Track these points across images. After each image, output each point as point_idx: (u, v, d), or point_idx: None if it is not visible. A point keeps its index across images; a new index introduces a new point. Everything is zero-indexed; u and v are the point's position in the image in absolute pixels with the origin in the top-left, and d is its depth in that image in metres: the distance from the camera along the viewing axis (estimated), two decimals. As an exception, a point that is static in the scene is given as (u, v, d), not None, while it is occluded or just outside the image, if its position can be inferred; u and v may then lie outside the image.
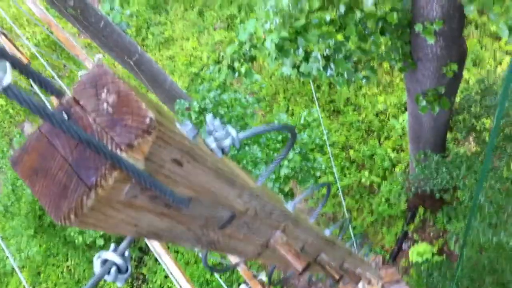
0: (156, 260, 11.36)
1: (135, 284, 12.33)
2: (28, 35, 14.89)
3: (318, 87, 12.44)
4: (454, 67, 6.14)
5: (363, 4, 5.44)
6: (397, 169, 11.02)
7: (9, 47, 6.90)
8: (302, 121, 8.14)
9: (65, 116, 0.89)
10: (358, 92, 12.19)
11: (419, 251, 10.03)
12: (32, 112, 0.75)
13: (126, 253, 1.12)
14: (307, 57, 5.88)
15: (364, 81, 6.33)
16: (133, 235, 1.09)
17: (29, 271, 12.96)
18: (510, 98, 5.66)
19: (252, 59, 6.44)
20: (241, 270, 6.37)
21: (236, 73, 6.58)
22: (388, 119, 11.71)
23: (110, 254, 1.10)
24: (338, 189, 9.96)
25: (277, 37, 5.56)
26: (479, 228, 6.70)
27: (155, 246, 5.67)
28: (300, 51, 5.77)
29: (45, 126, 0.90)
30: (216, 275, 10.22)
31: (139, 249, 12.28)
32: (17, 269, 6.97)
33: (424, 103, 6.46)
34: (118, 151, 0.84)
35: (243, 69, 6.41)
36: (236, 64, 6.44)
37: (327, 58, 5.86)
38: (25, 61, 6.99)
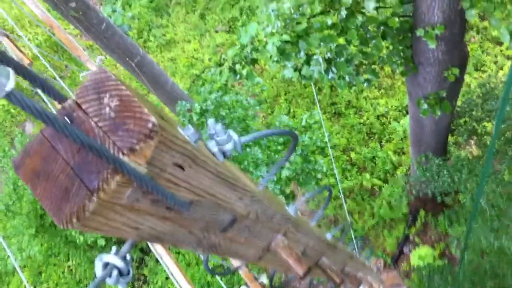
0: (157, 261, 11.35)
1: (136, 285, 12.33)
2: (30, 36, 14.92)
3: (320, 90, 12.45)
4: (456, 71, 6.14)
5: (364, 8, 5.45)
6: (398, 172, 11.01)
7: (11, 48, 6.92)
8: (303, 123, 8.14)
9: (68, 120, 0.89)
10: (360, 95, 12.20)
11: (420, 255, 10.01)
12: (35, 117, 0.75)
13: (128, 256, 1.13)
14: (308, 60, 5.89)
15: (365, 84, 6.34)
16: (134, 238, 1.09)
17: (30, 271, 12.96)
18: (511, 102, 5.67)
19: (254, 61, 6.44)
20: (242, 272, 6.37)
21: (237, 76, 6.58)
22: (390, 122, 11.71)
23: (111, 257, 1.10)
24: (339, 191, 9.96)
25: (279, 41, 5.56)
26: (480, 232, 6.70)
27: (156, 247, 5.68)
28: (302, 54, 5.77)
29: (48, 129, 0.90)
30: (217, 277, 10.23)
31: (140, 250, 12.29)
32: (18, 269, 6.98)
33: (425, 106, 6.46)
34: (120, 155, 0.85)
35: (244, 72, 6.41)
36: (238, 67, 6.44)
37: (328, 61, 5.87)
38: (27, 62, 7.00)
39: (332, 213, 11.20)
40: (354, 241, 7.09)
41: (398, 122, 11.49)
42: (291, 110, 12.49)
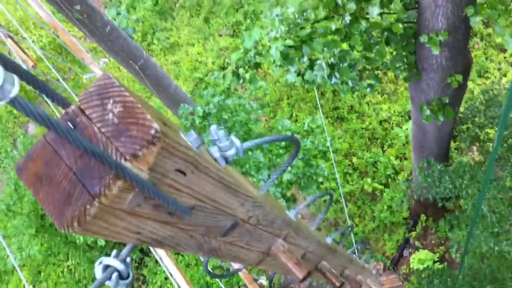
0: (156, 261, 11.36)
1: (135, 285, 12.33)
2: (34, 38, 14.96)
3: (322, 94, 12.45)
4: (459, 77, 6.14)
5: (369, 14, 5.45)
6: (400, 177, 11.00)
7: (15, 50, 6.94)
8: (305, 128, 8.14)
9: (71, 125, 0.90)
10: (362, 100, 12.20)
11: (420, 258, 10.00)
12: (38, 122, 0.76)
13: (128, 259, 1.13)
14: (311, 65, 5.89)
15: (368, 89, 6.34)
16: (135, 242, 1.10)
17: (29, 270, 12.97)
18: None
19: (257, 66, 6.45)
20: (242, 273, 6.38)
21: (240, 79, 6.59)
22: (392, 128, 11.71)
23: (111, 260, 1.11)
24: (340, 195, 9.95)
25: (282, 45, 5.57)
26: (481, 236, 6.69)
27: (156, 249, 5.69)
28: (305, 59, 5.77)
29: (51, 134, 0.91)
30: (217, 280, 10.22)
31: (140, 250, 12.29)
32: (17, 268, 6.98)
33: (428, 112, 6.45)
34: (123, 161, 0.85)
35: (247, 76, 6.42)
36: (241, 71, 6.45)
37: (331, 67, 5.87)
38: (31, 63, 7.03)
39: (333, 217, 11.19)
40: (354, 245, 7.09)
41: (401, 128, 11.48)
42: (294, 114, 12.49)
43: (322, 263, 2.47)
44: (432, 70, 6.16)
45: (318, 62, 5.83)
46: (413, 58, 6.24)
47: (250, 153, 6.99)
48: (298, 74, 6.03)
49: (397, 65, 6.20)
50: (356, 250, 5.37)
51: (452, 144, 8.99)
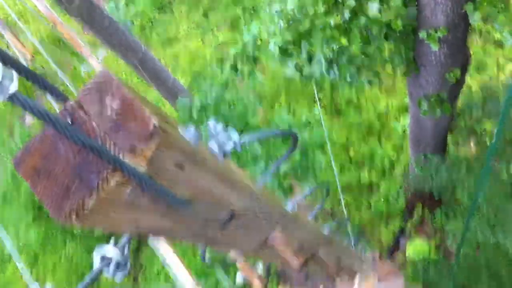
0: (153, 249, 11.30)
1: (131, 272, 12.30)
2: (32, 30, 14.89)
3: (321, 87, 12.44)
4: (457, 73, 6.14)
5: (368, 10, 5.44)
6: (396, 169, 11.04)
7: (13, 42, 6.93)
8: (303, 120, 8.13)
9: (69, 120, 0.91)
10: (360, 94, 12.20)
11: (415, 247, 10.04)
12: (37, 118, 0.77)
13: (126, 249, 1.14)
14: (310, 60, 5.88)
15: (367, 84, 6.34)
16: (133, 234, 1.11)
17: (26, 258, 12.93)
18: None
19: (256, 60, 6.43)
20: (238, 263, 6.37)
21: (238, 73, 6.58)
22: (389, 121, 11.72)
23: (109, 249, 1.11)
24: (337, 186, 9.98)
25: (281, 41, 5.55)
26: (477, 227, 6.72)
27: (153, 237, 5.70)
28: (304, 55, 5.76)
29: (49, 128, 0.91)
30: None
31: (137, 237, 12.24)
32: (14, 256, 6.93)
33: (426, 107, 6.46)
34: (121, 156, 0.86)
35: (246, 70, 6.41)
36: (239, 65, 6.43)
37: (330, 62, 5.86)
38: (29, 56, 7.01)
39: (330, 207, 11.21)
40: (351, 234, 7.11)
41: (398, 121, 11.50)
42: (292, 107, 12.49)
43: (319, 253, 2.48)
44: (431, 66, 6.16)
45: (317, 57, 5.83)
46: (411, 54, 6.23)
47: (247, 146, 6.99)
48: (297, 69, 6.03)
49: (396, 61, 6.20)
50: (352, 240, 5.39)
51: (449, 138, 9.00)
